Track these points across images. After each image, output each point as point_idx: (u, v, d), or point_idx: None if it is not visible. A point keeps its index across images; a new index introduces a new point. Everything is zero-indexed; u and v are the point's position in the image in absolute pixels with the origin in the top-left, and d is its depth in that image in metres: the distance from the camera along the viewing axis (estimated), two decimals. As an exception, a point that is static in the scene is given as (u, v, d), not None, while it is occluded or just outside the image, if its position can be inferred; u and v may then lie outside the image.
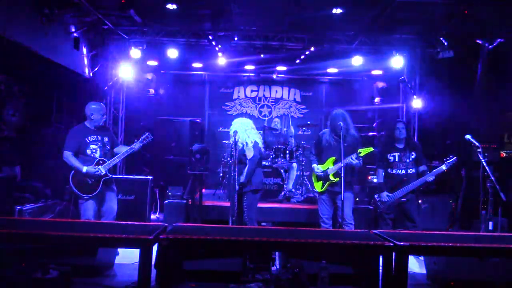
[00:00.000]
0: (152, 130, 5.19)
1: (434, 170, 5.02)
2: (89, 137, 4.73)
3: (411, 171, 5.18)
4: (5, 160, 6.51)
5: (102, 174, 4.65)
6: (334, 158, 4.84)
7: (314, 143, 5.21)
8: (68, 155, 4.62)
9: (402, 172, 5.18)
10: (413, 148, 5.27)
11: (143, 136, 4.90)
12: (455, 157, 4.99)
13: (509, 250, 3.29)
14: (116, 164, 5.64)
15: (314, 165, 4.99)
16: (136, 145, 4.84)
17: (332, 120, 4.91)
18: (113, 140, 4.98)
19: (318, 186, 5.00)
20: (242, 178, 4.86)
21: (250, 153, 4.94)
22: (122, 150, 4.85)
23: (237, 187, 4.83)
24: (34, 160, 7.10)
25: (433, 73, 8.05)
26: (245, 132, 5.00)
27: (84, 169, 4.57)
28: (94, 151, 4.73)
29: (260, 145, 5.09)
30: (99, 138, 4.78)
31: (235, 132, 4.95)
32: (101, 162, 4.71)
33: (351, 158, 4.66)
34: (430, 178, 4.99)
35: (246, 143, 4.96)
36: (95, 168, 4.62)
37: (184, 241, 3.18)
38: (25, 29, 5.96)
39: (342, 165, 4.55)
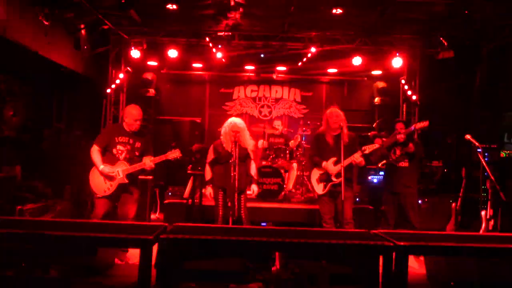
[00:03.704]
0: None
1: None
2: (119, 137, 4.58)
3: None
4: (5, 160, 6.52)
5: (118, 177, 4.51)
6: (335, 158, 4.72)
7: (313, 145, 5.15)
8: (94, 150, 4.53)
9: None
10: None
11: (170, 151, 4.62)
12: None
13: (509, 250, 3.29)
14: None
15: (326, 164, 4.75)
16: (148, 162, 4.55)
17: (327, 118, 4.81)
18: (146, 148, 4.74)
19: (319, 189, 4.89)
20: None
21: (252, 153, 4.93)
22: (147, 160, 4.61)
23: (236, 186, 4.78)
24: (34, 160, 7.10)
25: (433, 73, 8.05)
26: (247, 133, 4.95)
27: (101, 167, 4.47)
28: (119, 152, 4.56)
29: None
30: (130, 142, 4.61)
31: (236, 132, 4.80)
32: (122, 165, 4.55)
33: (355, 157, 4.59)
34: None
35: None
36: (112, 170, 4.49)
37: (184, 241, 3.18)
38: (25, 29, 5.96)
39: (342, 165, 4.52)
